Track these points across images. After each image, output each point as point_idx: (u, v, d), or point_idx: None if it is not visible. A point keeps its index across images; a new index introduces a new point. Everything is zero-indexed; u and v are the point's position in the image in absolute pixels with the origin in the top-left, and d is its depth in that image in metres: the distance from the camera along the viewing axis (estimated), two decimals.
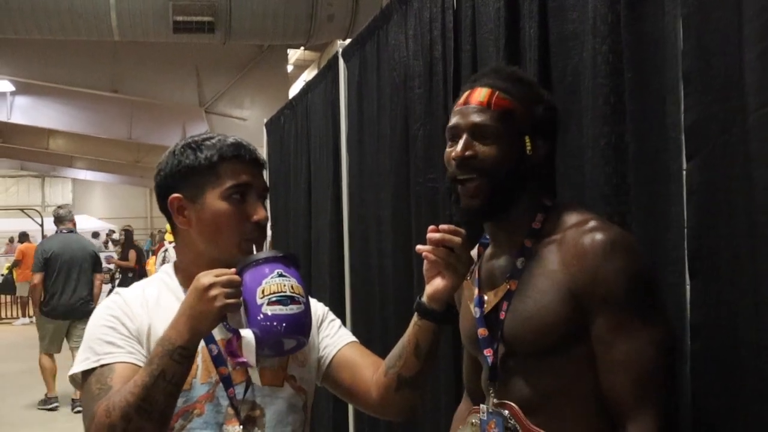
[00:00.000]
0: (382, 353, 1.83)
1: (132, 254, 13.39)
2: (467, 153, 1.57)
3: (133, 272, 13.12)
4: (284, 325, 1.45)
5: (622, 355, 1.45)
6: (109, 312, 1.64)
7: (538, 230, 1.60)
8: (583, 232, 1.51)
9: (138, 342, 1.61)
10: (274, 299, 1.44)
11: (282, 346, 1.53)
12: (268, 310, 1.44)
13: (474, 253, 1.76)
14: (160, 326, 1.56)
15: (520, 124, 1.58)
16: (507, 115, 1.58)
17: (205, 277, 1.45)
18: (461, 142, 1.59)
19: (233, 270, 1.49)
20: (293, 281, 1.47)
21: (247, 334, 1.46)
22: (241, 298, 1.46)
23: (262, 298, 1.44)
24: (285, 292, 1.45)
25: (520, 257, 1.59)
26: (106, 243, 23.78)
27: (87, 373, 1.58)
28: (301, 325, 1.48)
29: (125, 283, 12.37)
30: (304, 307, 1.48)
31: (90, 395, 1.54)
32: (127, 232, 13.94)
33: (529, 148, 1.58)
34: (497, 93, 1.59)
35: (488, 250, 1.73)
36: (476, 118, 1.58)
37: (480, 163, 1.57)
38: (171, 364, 1.45)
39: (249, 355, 1.46)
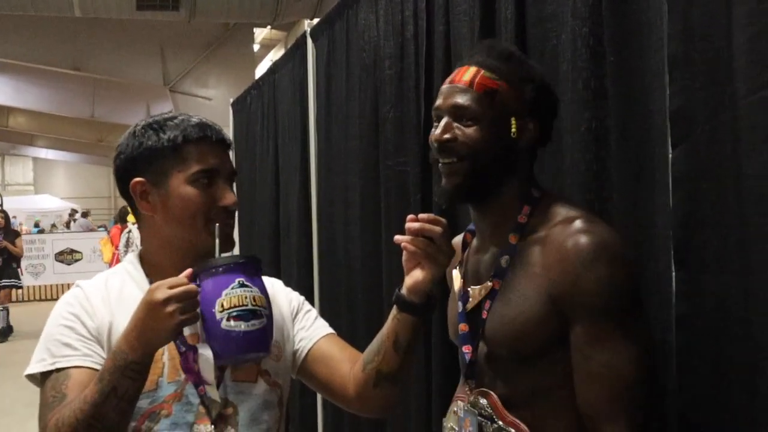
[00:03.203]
0: (349, 340, 1.77)
1: (19, 242, 11.91)
2: (446, 136, 1.50)
3: (17, 262, 11.82)
4: (245, 342, 1.36)
5: (599, 367, 1.38)
6: (68, 309, 1.56)
7: (524, 225, 1.52)
8: (568, 234, 1.42)
9: (97, 342, 1.53)
10: (234, 314, 1.34)
11: (240, 360, 1.46)
12: (228, 327, 1.34)
13: (459, 239, 1.70)
14: (123, 322, 1.48)
15: (505, 105, 1.50)
16: (490, 96, 1.49)
17: (159, 291, 1.34)
18: (441, 125, 1.52)
19: (189, 271, 1.40)
20: (255, 292, 1.38)
21: (204, 350, 1.37)
22: (198, 310, 1.37)
23: (221, 312, 1.35)
24: (246, 305, 1.35)
25: (504, 255, 1.52)
26: (68, 224, 23.59)
27: (44, 375, 1.51)
28: (263, 340, 1.39)
29: (4, 271, 11.45)
30: (266, 320, 1.39)
31: (44, 401, 1.48)
32: (6, 215, 12.01)
33: (514, 130, 1.50)
34: (482, 72, 1.51)
35: (474, 242, 1.66)
36: (458, 99, 1.51)
37: (460, 147, 1.49)
38: (123, 380, 1.37)
39: (207, 372, 1.38)
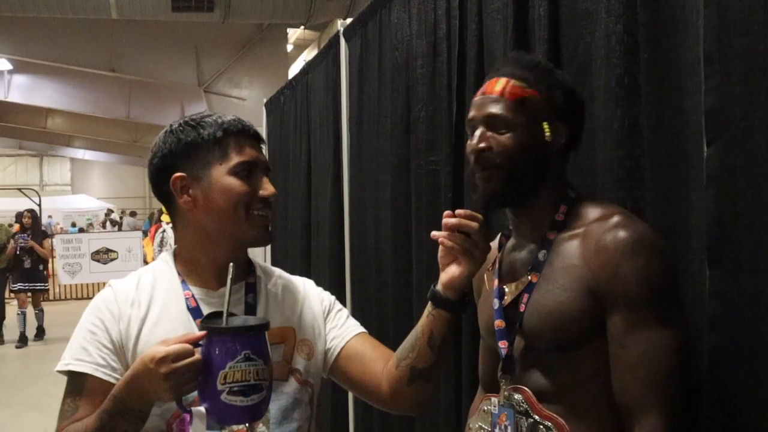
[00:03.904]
0: (379, 338, 1.78)
1: (46, 243, 11.29)
2: (482, 145, 1.55)
3: (44, 264, 11.11)
4: (240, 415, 1.36)
5: (636, 357, 1.41)
6: (96, 313, 1.59)
7: (561, 222, 1.56)
8: (607, 228, 1.47)
9: (115, 351, 1.55)
10: (236, 388, 1.33)
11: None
12: (227, 400, 1.33)
13: (495, 243, 1.73)
14: (152, 321, 1.54)
15: (537, 111, 1.55)
16: (522, 104, 1.55)
17: (163, 366, 1.32)
18: (476, 135, 1.57)
19: (203, 334, 1.37)
20: (259, 365, 1.35)
21: (198, 414, 1.36)
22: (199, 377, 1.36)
23: (223, 384, 1.33)
24: (249, 381, 1.34)
25: (542, 250, 1.56)
26: (104, 223, 23.92)
27: (69, 376, 1.57)
28: (258, 412, 1.39)
29: (32, 273, 10.74)
30: (265, 392, 1.38)
31: (62, 408, 1.55)
32: (34, 214, 11.33)
33: (547, 134, 1.55)
34: (512, 82, 1.56)
35: (510, 241, 1.69)
36: (491, 109, 1.56)
37: (497, 156, 1.54)
38: (123, 423, 1.41)
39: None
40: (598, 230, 1.48)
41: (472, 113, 1.60)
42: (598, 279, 1.45)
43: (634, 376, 1.41)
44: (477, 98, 1.61)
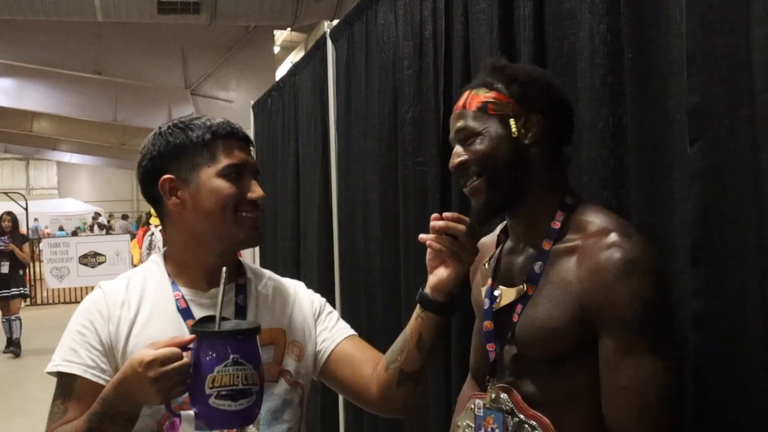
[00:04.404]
0: (368, 339, 1.78)
1: (26, 247, 10.75)
2: (458, 160, 1.58)
3: (24, 268, 10.67)
4: (229, 419, 1.35)
5: (626, 381, 1.39)
6: (86, 315, 1.59)
7: (558, 231, 1.54)
8: (602, 246, 1.44)
9: (105, 353, 1.55)
10: (223, 393, 1.33)
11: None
12: (215, 404, 1.33)
13: (493, 237, 1.74)
14: (142, 321, 1.54)
15: (500, 111, 1.55)
16: (483, 110, 1.56)
17: (151, 369, 1.32)
18: (453, 152, 1.59)
19: (192, 337, 1.37)
20: (248, 370, 1.35)
21: (187, 417, 1.37)
22: (188, 381, 1.36)
23: (211, 388, 1.33)
24: (237, 385, 1.33)
25: (538, 261, 1.54)
26: (91, 227, 23.86)
27: (58, 378, 1.56)
28: (247, 417, 1.38)
29: (10, 278, 10.15)
30: (255, 396, 1.37)
31: (51, 410, 1.56)
32: (14, 217, 10.64)
33: (514, 129, 1.54)
34: (473, 91, 1.59)
35: (508, 243, 1.68)
36: (458, 124, 1.59)
37: (473, 164, 1.55)
38: (112, 426, 1.41)
39: None
40: (594, 248, 1.45)
41: (450, 135, 1.62)
42: (591, 298, 1.43)
43: (623, 399, 1.40)
44: (451, 119, 1.63)
